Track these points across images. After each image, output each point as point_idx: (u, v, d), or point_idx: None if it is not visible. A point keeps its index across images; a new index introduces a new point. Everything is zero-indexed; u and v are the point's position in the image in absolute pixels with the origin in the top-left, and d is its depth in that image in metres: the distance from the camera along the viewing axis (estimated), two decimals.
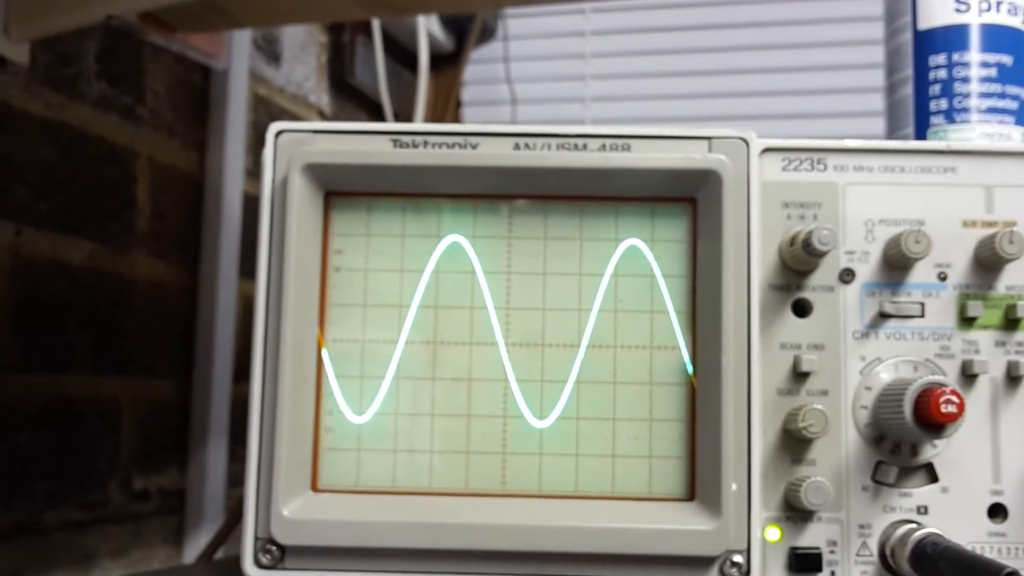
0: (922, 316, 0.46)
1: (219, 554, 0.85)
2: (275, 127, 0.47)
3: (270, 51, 1.09)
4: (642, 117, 1.34)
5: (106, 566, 0.83)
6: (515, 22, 1.40)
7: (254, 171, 1.03)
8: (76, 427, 0.80)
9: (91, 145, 0.83)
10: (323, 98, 1.19)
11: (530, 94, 1.38)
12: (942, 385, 0.42)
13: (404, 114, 1.28)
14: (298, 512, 0.44)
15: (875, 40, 0.67)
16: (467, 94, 1.42)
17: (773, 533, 0.45)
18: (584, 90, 1.36)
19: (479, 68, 1.40)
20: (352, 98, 1.25)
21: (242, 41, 1.00)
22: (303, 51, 1.16)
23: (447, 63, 1.35)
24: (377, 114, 1.27)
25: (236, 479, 0.98)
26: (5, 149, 0.74)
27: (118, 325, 0.85)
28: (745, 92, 1.33)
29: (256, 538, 0.45)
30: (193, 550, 0.92)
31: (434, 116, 1.33)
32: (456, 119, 1.39)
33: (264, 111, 1.07)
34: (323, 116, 1.19)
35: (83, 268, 0.81)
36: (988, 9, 0.56)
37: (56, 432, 0.78)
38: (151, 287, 0.90)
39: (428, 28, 1.28)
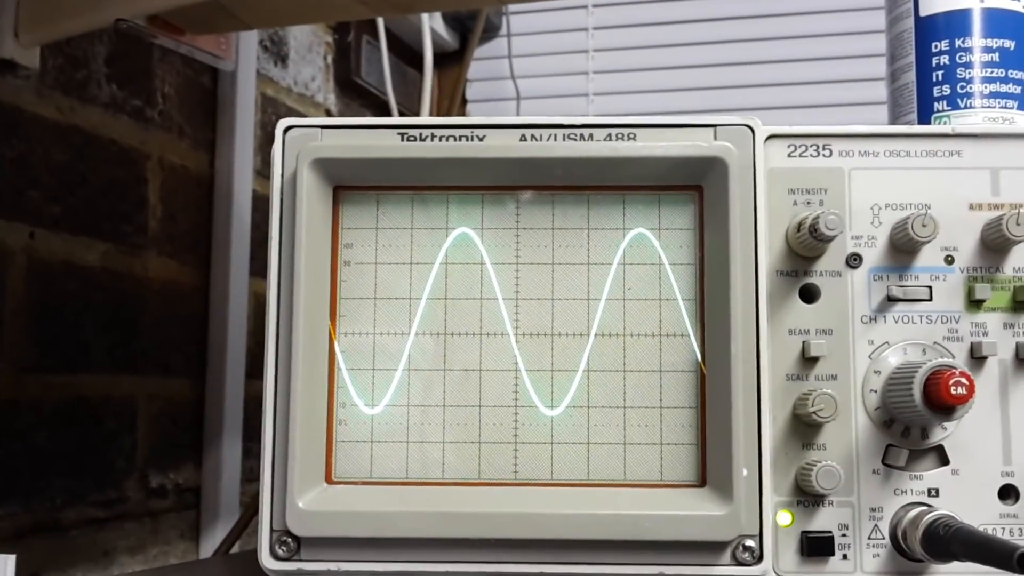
0: (930, 299, 0.47)
1: (235, 549, 0.86)
2: (283, 123, 0.48)
3: (277, 52, 1.10)
4: (646, 111, 1.34)
5: (124, 562, 0.84)
6: (518, 18, 1.40)
7: (263, 171, 1.04)
8: (93, 426, 0.81)
9: (102, 147, 0.84)
10: (329, 97, 1.20)
11: (534, 90, 1.38)
12: (951, 367, 0.43)
13: (410, 112, 1.29)
14: (313, 504, 0.45)
15: (877, 29, 0.67)
16: (471, 91, 1.43)
17: (784, 517, 0.45)
18: (588, 85, 1.36)
19: (483, 65, 1.40)
20: (358, 97, 1.25)
21: (249, 42, 1.01)
22: (309, 51, 1.16)
23: (451, 60, 1.36)
24: (383, 112, 1.28)
25: (250, 475, 0.99)
26: (18, 152, 0.75)
27: (132, 325, 0.86)
28: (748, 84, 1.32)
29: (272, 530, 0.45)
30: (209, 545, 0.93)
31: (439, 113, 1.33)
32: (461, 116, 1.40)
33: (272, 111, 1.08)
34: (330, 115, 1.20)
35: (97, 269, 0.82)
36: None
37: (73, 431, 0.79)
38: (164, 287, 0.90)
39: (432, 26, 1.28)
